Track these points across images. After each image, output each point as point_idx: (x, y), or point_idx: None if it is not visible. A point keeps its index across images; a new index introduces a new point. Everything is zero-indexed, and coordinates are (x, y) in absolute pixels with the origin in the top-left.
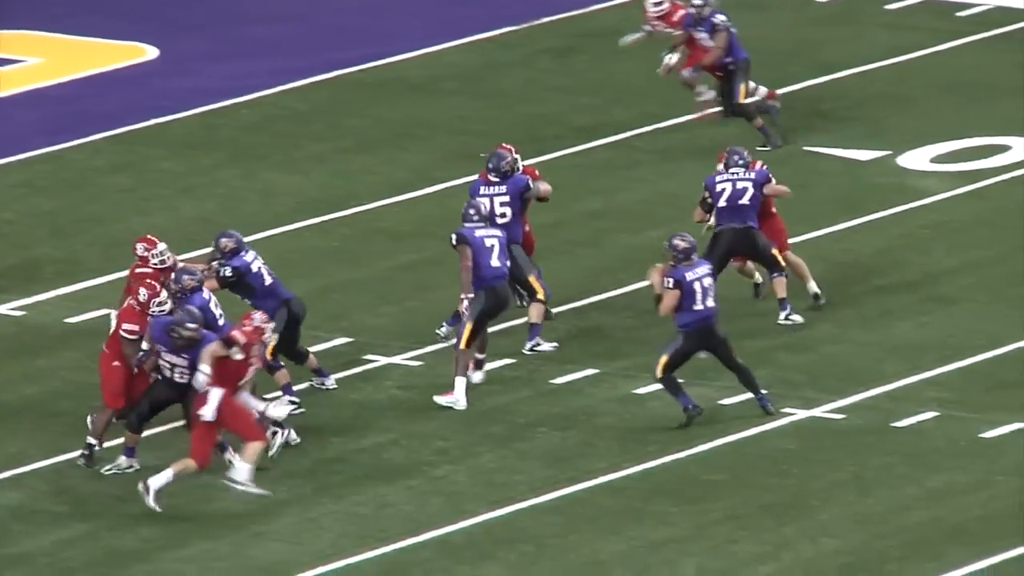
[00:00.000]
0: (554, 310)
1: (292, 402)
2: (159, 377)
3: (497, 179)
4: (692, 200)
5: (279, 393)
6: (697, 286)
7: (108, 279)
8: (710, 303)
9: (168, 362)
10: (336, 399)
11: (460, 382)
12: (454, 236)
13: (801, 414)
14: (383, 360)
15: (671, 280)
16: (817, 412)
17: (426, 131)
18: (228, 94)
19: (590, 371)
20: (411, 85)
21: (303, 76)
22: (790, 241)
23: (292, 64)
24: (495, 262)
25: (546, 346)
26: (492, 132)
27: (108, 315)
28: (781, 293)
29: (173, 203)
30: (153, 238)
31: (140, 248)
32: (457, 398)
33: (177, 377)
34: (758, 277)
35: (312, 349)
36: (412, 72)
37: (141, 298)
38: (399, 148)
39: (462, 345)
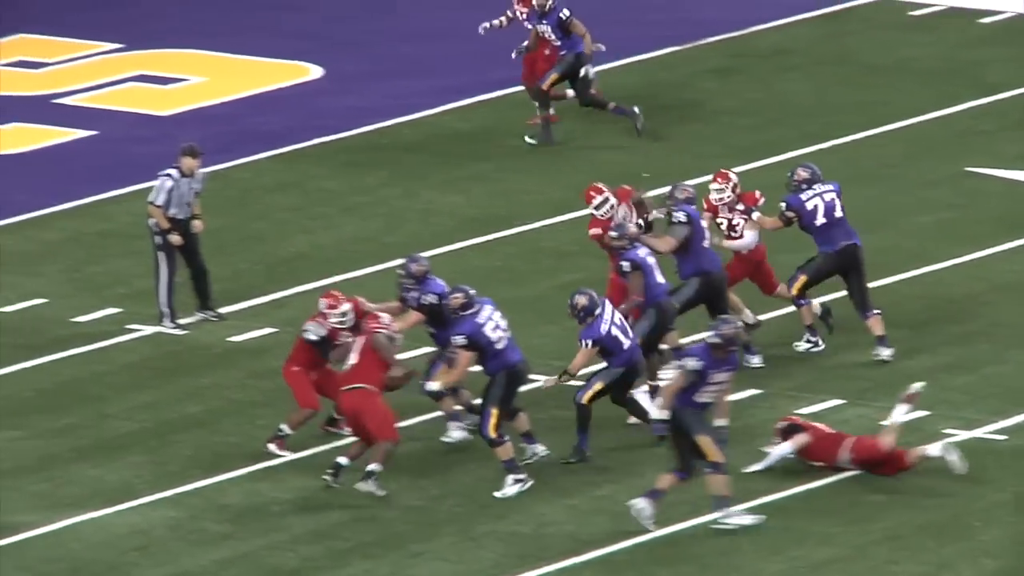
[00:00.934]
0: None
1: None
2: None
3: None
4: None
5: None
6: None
7: (271, 298)
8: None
9: None
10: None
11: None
12: (628, 263)
13: (962, 435)
14: (543, 379)
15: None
16: (978, 433)
17: (588, 150)
18: (391, 113)
19: (752, 391)
20: (572, 104)
21: (465, 95)
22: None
23: (454, 83)
24: (660, 278)
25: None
26: (652, 151)
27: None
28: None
29: (336, 222)
30: (335, 296)
31: (322, 304)
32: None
33: None
34: (748, 315)
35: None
36: None
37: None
38: (561, 167)
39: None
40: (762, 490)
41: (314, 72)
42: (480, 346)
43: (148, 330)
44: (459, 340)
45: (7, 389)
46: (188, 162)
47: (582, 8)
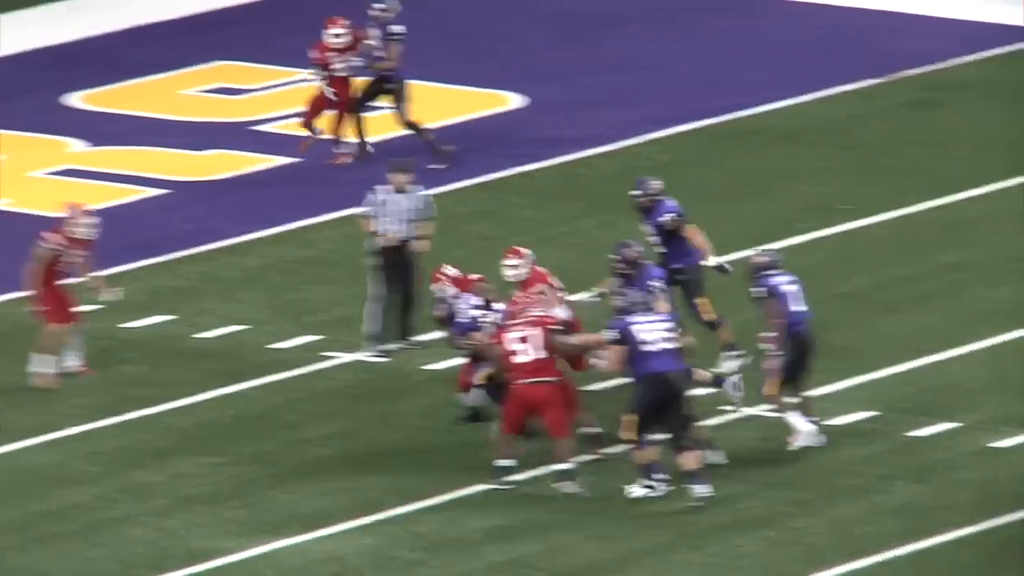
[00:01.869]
0: (910, 364)
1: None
2: None
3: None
4: None
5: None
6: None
7: None
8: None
9: None
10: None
11: (793, 418)
12: (764, 289)
13: None
14: (746, 411)
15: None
16: None
17: (787, 182)
18: (591, 143)
19: (949, 424)
20: (774, 136)
21: (665, 126)
22: None
23: (654, 114)
24: (800, 306)
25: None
26: (853, 183)
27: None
28: None
29: (534, 251)
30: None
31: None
32: (800, 431)
33: None
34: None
35: None
36: (775, 123)
37: None
38: (761, 199)
39: (771, 391)
40: (959, 522)
41: (515, 101)
42: (628, 344)
43: (346, 357)
44: (609, 334)
45: (206, 415)
46: (396, 178)
47: (784, 43)
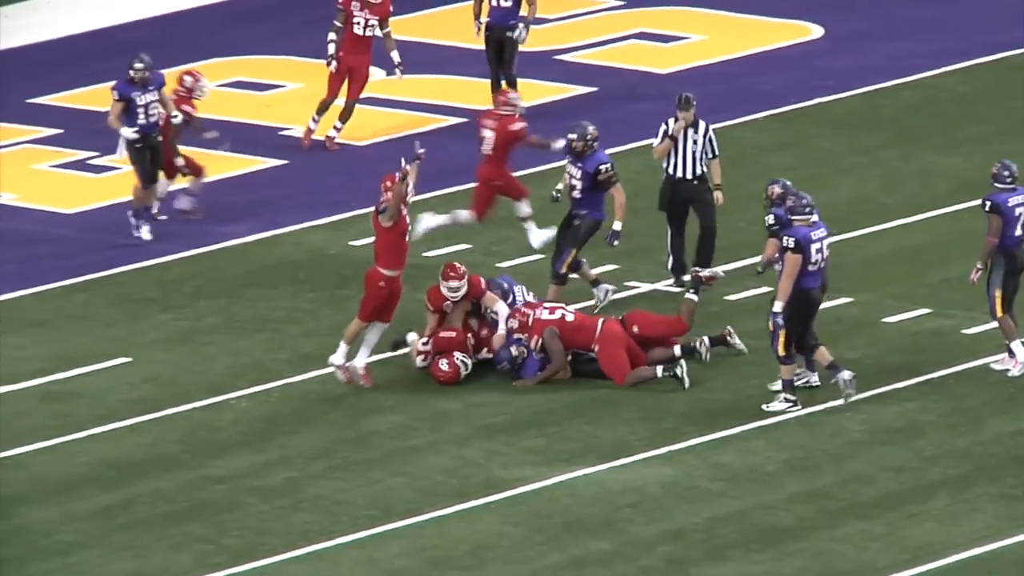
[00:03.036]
0: None
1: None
2: None
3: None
4: None
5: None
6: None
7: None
8: None
9: None
10: (989, 380)
11: (1017, 346)
12: (988, 203)
13: None
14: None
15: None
16: None
17: None
18: (890, 74)
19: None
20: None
21: (966, 58)
22: None
23: (955, 45)
24: (1019, 231)
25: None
26: None
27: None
28: None
29: (833, 182)
30: (455, 267)
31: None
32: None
33: None
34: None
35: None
36: None
37: None
38: None
39: (998, 312)
40: None
41: (815, 32)
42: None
43: (644, 287)
44: (788, 242)
45: None
46: (681, 114)
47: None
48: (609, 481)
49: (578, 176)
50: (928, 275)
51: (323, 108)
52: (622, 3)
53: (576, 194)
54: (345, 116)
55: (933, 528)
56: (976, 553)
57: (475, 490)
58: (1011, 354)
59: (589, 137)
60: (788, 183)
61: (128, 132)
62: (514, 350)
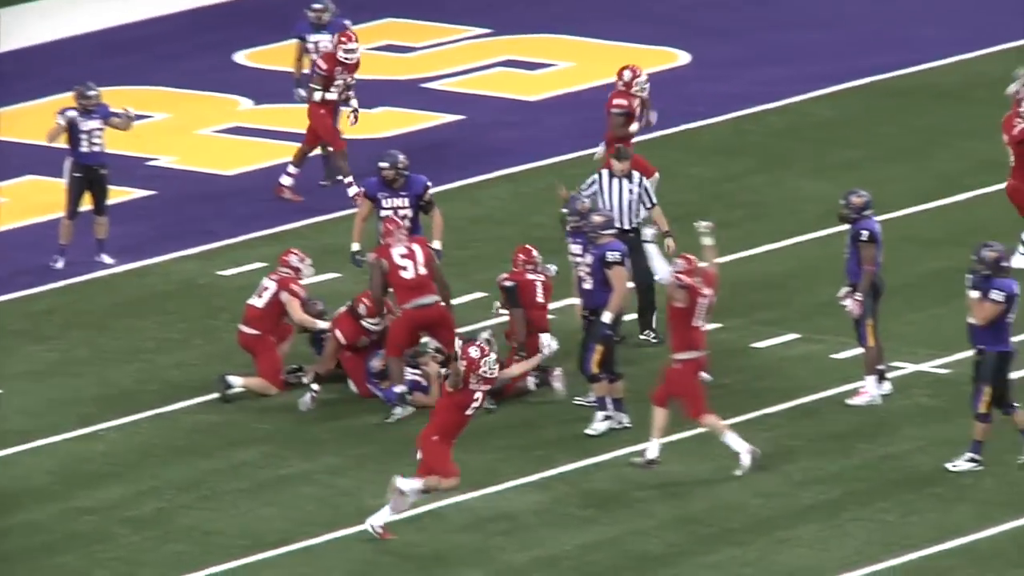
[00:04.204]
0: None
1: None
2: None
3: None
4: None
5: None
6: None
7: None
8: None
9: None
10: (858, 405)
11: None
12: (865, 232)
13: None
14: (911, 367)
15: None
16: None
17: (956, 139)
18: (758, 100)
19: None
20: (942, 92)
21: (833, 83)
22: None
23: (823, 70)
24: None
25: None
26: None
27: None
28: None
29: (702, 209)
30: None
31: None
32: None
33: None
34: None
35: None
36: (943, 79)
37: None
38: (928, 156)
39: (870, 341)
40: None
41: (682, 58)
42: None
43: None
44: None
45: None
46: (615, 164)
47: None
48: (480, 508)
49: (406, 205)
50: (797, 300)
51: (338, 163)
52: (489, 31)
53: (407, 224)
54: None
55: (804, 553)
56: None
57: (347, 519)
58: (880, 381)
59: (401, 165)
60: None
61: (67, 163)
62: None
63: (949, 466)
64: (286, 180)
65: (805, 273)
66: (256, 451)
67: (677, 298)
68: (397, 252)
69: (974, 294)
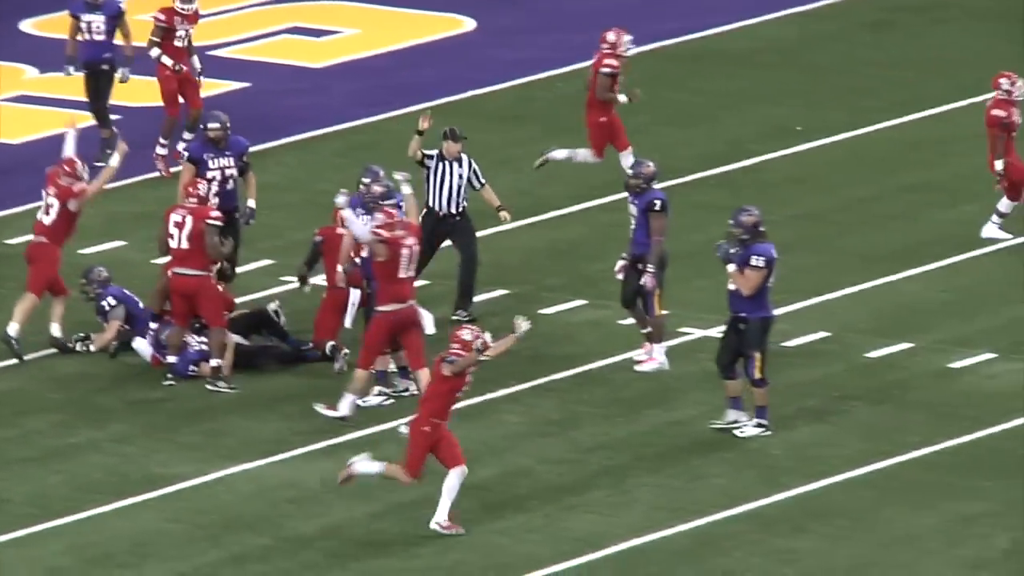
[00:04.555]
0: (873, 282)
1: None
2: None
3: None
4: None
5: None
6: None
7: None
8: None
9: None
10: (644, 372)
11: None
12: (658, 202)
13: None
14: (699, 333)
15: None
16: None
17: (743, 104)
18: (544, 66)
19: (904, 345)
20: (729, 58)
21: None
22: None
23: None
24: None
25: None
26: (808, 105)
27: None
28: None
29: (489, 174)
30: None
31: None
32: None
33: None
34: None
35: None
36: (730, 45)
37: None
38: (716, 121)
39: (658, 310)
40: (915, 443)
41: (467, 24)
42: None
43: (295, 284)
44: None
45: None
46: (448, 146)
47: None
48: (268, 477)
49: (231, 164)
50: (584, 267)
51: (171, 129)
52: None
53: (229, 186)
54: (194, 126)
55: (592, 519)
56: (636, 544)
57: (134, 487)
58: (652, 352)
59: (228, 123)
60: (375, 170)
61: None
62: None
63: (737, 432)
64: (162, 152)
65: (592, 239)
66: (45, 420)
67: (378, 253)
68: (173, 217)
69: (731, 267)
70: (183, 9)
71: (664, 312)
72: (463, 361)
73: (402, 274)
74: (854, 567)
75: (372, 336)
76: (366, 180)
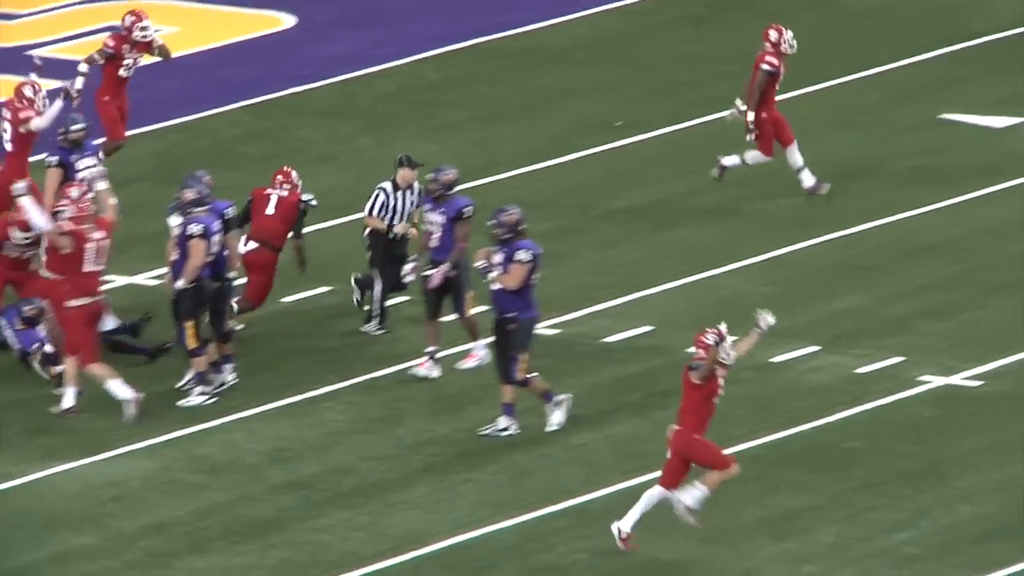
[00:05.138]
0: (695, 277)
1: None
2: None
3: None
4: (821, 169)
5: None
6: None
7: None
8: None
9: None
10: (467, 369)
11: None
12: (469, 208)
13: (938, 381)
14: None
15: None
16: (955, 380)
17: (562, 100)
18: (365, 63)
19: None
20: (547, 54)
21: (439, 45)
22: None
23: (428, 32)
24: None
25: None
26: (629, 100)
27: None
28: None
29: (311, 171)
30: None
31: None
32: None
33: None
34: None
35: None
36: (548, 41)
37: None
38: (535, 117)
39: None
40: (738, 436)
41: (287, 21)
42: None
43: (120, 281)
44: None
45: None
46: (404, 173)
47: None
48: (91, 475)
49: (93, 163)
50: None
51: (112, 152)
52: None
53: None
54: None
55: (416, 516)
56: (460, 540)
57: None
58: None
59: (88, 124)
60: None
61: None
62: None
63: (548, 429)
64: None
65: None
66: None
67: (62, 245)
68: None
69: (497, 258)
70: (141, 37)
71: (475, 310)
72: (706, 365)
73: (88, 267)
74: (678, 562)
75: (73, 333)
76: (187, 185)
